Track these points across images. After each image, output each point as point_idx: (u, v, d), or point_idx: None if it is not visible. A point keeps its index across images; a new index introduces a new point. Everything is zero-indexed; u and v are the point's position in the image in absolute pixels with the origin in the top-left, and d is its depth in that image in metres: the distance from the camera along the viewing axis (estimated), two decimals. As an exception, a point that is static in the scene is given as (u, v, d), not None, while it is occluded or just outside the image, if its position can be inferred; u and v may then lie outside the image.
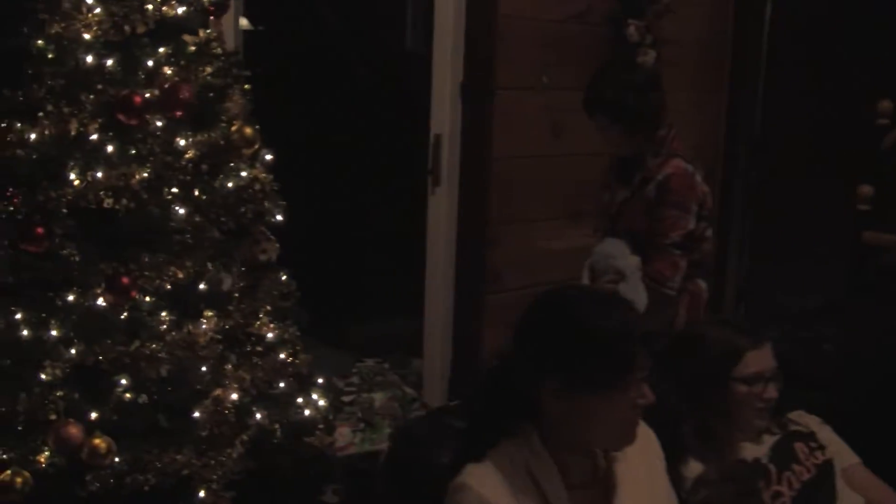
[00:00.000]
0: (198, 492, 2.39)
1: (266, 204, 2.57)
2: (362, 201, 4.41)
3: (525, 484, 1.84)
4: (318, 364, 2.85)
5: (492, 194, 4.39)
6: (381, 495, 2.60)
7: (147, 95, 2.35)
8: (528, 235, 4.62)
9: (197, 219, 2.38)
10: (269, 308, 2.56)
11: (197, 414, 2.49)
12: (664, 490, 2.04)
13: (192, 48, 2.48)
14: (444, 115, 4.24)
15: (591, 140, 4.76)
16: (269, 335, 2.53)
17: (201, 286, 2.42)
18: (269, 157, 2.64)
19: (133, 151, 2.35)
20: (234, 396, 2.53)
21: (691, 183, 3.25)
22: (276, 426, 2.60)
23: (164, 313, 2.34)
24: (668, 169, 3.24)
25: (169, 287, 2.37)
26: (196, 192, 2.41)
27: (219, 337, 2.42)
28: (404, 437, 2.52)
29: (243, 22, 5.43)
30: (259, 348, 2.51)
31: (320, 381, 2.80)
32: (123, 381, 2.33)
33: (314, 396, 2.67)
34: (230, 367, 2.50)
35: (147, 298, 2.36)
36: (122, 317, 2.33)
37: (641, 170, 3.31)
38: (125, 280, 2.27)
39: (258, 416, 2.59)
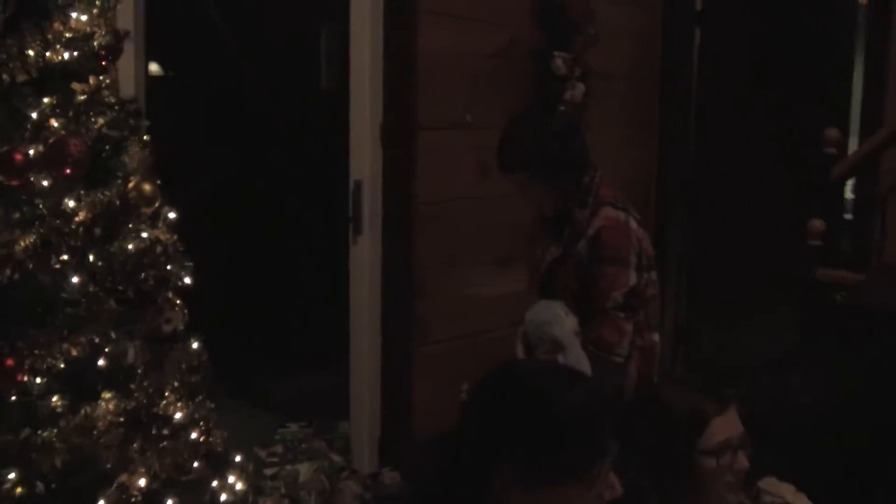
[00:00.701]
0: None
1: (170, 267, 2.30)
2: (281, 252, 4.15)
3: None
4: (236, 430, 2.58)
5: (417, 241, 4.19)
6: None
7: (31, 152, 2.08)
8: (456, 283, 4.42)
9: (91, 288, 2.11)
10: (176, 384, 2.29)
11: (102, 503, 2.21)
12: None
13: (82, 97, 2.21)
14: (365, 160, 4.04)
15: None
16: (178, 415, 2.25)
17: (99, 363, 2.14)
18: (172, 215, 2.37)
19: (16, 215, 2.08)
20: (142, 483, 2.25)
21: (625, 232, 3.02)
22: (189, 514, 2.33)
23: (55, 397, 2.06)
24: (598, 221, 3.01)
25: (62, 366, 2.09)
26: (90, 259, 2.13)
27: (120, 420, 2.15)
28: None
29: (153, 67, 5.19)
30: (165, 430, 2.23)
31: (238, 458, 2.52)
32: (12, 476, 2.03)
33: (231, 479, 2.40)
34: (136, 450, 2.21)
35: (38, 380, 2.07)
36: (10, 401, 2.04)
37: (569, 224, 3.09)
38: (10, 361, 1.99)
39: (169, 503, 2.31)
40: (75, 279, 2.13)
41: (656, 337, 3.16)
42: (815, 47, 5.50)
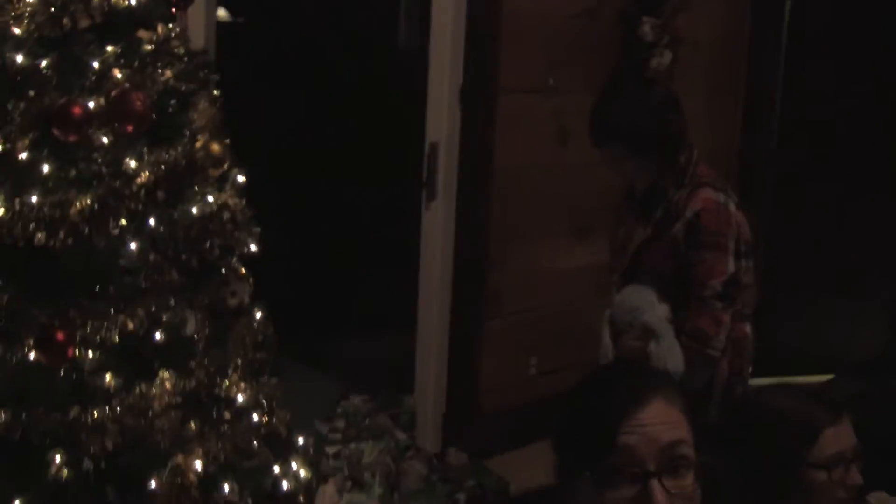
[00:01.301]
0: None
1: (237, 235, 2.12)
2: (350, 213, 3.97)
3: None
4: (295, 398, 2.39)
5: (493, 208, 3.98)
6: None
7: (90, 105, 1.90)
8: (531, 254, 4.22)
9: (152, 256, 1.94)
10: (239, 362, 2.11)
11: (153, 485, 2.05)
12: None
13: (149, 47, 2.03)
14: (441, 122, 3.82)
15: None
16: (241, 397, 2.08)
17: (157, 338, 1.97)
18: (240, 178, 2.19)
19: (72, 174, 1.90)
20: (198, 465, 2.09)
21: (725, 216, 2.78)
22: (249, 501, 2.16)
23: (108, 374, 1.89)
24: (697, 203, 2.77)
25: (117, 340, 1.92)
26: (151, 224, 1.96)
27: (178, 400, 1.98)
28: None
29: (221, 13, 4.99)
30: (227, 414, 2.06)
31: (301, 441, 2.35)
32: (58, 458, 1.88)
33: (294, 465, 2.23)
34: (194, 431, 2.05)
35: (90, 354, 1.91)
36: (59, 378, 1.88)
37: (663, 203, 2.85)
38: (61, 335, 1.83)
39: (226, 488, 2.14)
40: (134, 245, 1.96)
41: (748, 328, 2.94)
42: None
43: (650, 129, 2.79)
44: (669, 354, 2.63)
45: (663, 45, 4.25)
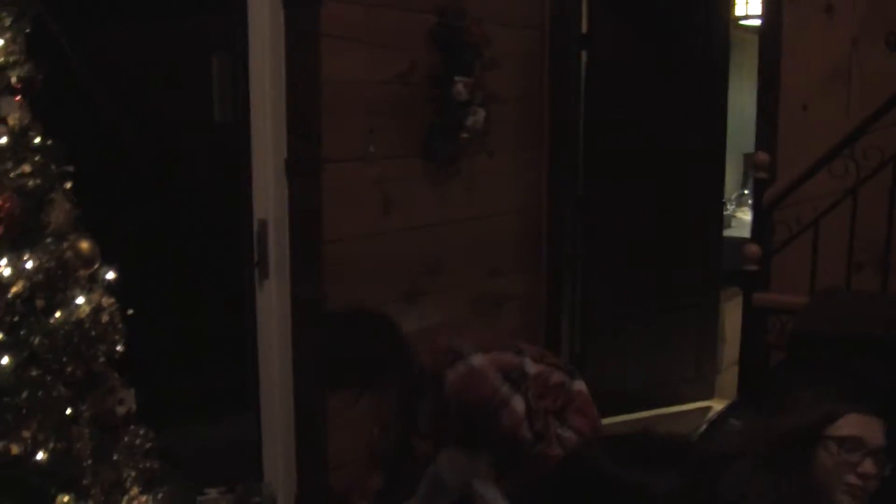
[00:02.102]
0: None
1: (116, 338, 1.96)
2: (181, 299, 3.77)
3: None
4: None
5: (326, 282, 3.89)
6: None
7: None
8: (366, 324, 4.14)
9: (34, 372, 1.75)
10: (133, 475, 1.94)
11: None
12: None
13: (3, 139, 1.86)
14: (269, 197, 3.70)
15: (425, 211, 4.38)
16: (142, 513, 1.91)
17: (42, 460, 1.78)
18: (111, 275, 2.03)
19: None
20: None
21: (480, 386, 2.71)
22: None
23: (0, 508, 1.70)
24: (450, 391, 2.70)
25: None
26: (27, 336, 1.78)
27: (76, 527, 1.79)
28: None
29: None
30: (132, 534, 1.88)
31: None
32: None
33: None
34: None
35: (-30, 489, 1.71)
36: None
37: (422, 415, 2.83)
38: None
39: None
40: (5, 361, 1.77)
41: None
42: (696, 69, 5.51)
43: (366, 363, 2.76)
44: None
45: (477, 104, 4.31)
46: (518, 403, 2.61)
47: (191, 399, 3.87)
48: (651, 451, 1.54)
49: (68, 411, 1.83)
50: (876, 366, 2.61)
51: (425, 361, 2.66)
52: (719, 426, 2.63)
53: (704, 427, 2.68)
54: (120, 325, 1.98)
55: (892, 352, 2.71)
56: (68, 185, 2.06)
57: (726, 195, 6.48)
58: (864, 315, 3.08)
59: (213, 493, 3.31)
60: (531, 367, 2.75)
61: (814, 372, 2.40)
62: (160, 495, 1.98)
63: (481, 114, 4.35)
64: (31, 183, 1.94)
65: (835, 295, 3.48)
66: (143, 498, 1.92)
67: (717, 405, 5.48)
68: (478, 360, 2.64)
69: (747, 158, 6.48)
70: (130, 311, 2.02)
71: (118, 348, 2.04)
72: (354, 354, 2.60)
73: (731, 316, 5.59)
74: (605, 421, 3.39)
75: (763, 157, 4.01)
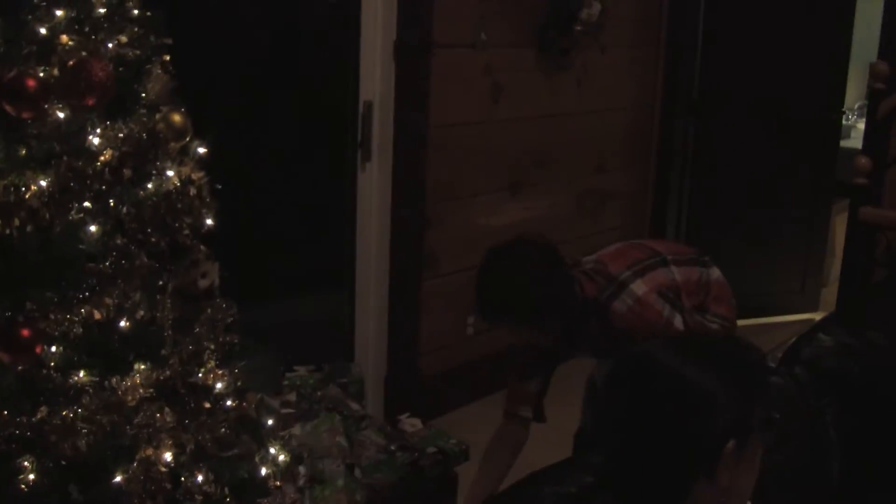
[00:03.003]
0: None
1: (204, 212, 1.97)
2: (282, 177, 3.80)
3: None
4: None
5: (429, 168, 3.88)
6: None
7: (43, 76, 1.73)
8: (466, 212, 4.14)
9: (118, 240, 1.78)
10: (212, 348, 1.97)
11: (119, 479, 1.91)
12: None
13: (102, 10, 1.85)
14: (375, 80, 3.68)
15: (534, 102, 4.31)
16: (219, 385, 1.94)
17: (125, 327, 1.82)
18: (201, 150, 2.03)
19: (22, 153, 1.74)
20: (169, 456, 1.95)
21: (646, 313, 2.63)
22: (225, 489, 2.04)
23: (80, 371, 1.75)
24: (619, 322, 2.63)
25: (81, 332, 1.77)
26: (114, 205, 1.80)
27: (152, 392, 1.84)
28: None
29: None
30: (206, 403, 1.93)
31: (270, 423, 2.23)
32: (27, 464, 1.73)
33: (272, 451, 2.11)
34: (167, 422, 1.91)
35: (54, 349, 1.76)
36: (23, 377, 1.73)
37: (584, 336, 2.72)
38: (25, 332, 1.67)
39: (199, 478, 2.02)
40: (94, 229, 1.79)
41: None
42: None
43: (534, 298, 2.55)
44: None
45: (593, -3, 4.19)
46: (679, 322, 2.62)
47: (289, 276, 3.91)
48: (705, 352, 1.55)
49: (153, 282, 1.86)
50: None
51: (587, 289, 2.63)
52: (808, 341, 2.56)
53: (794, 340, 2.62)
54: (208, 199, 1.99)
55: None
56: (166, 56, 2.06)
57: (848, 105, 6.19)
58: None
59: (301, 370, 3.38)
60: (678, 275, 2.73)
61: None
62: (237, 370, 2.02)
63: (597, 7, 4.23)
64: (130, 53, 1.94)
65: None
66: (220, 371, 1.95)
67: (822, 319, 5.34)
68: (640, 288, 2.62)
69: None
70: (219, 186, 2.02)
71: (208, 221, 2.06)
72: (515, 285, 2.55)
73: (843, 229, 5.40)
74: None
75: (882, 66, 3.81)
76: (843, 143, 5.90)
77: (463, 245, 4.08)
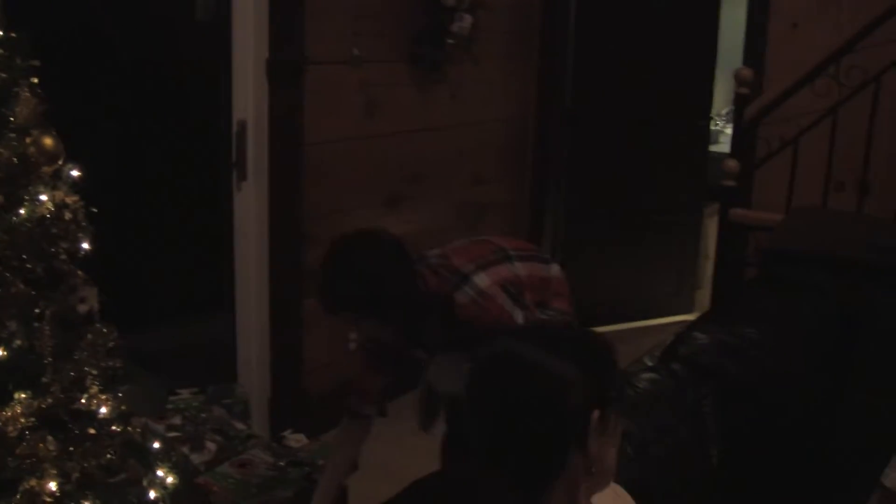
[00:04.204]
0: None
1: (80, 235, 1.95)
2: (154, 201, 3.75)
3: None
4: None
5: (306, 185, 3.89)
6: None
7: None
8: (346, 227, 4.13)
9: (-7, 269, 1.75)
10: (95, 373, 1.95)
11: (3, 512, 1.87)
12: None
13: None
14: (248, 98, 3.68)
15: (409, 117, 4.35)
16: (102, 410, 1.92)
17: (2, 356, 1.79)
18: (75, 173, 2.01)
19: None
20: (53, 486, 1.92)
21: (487, 305, 2.64)
22: (111, 518, 2.01)
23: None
24: (464, 313, 2.64)
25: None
26: (-11, 232, 1.77)
27: (34, 421, 1.81)
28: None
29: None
30: (91, 429, 1.90)
31: (156, 445, 2.20)
32: None
33: (160, 473, 2.09)
34: (50, 451, 1.88)
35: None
36: None
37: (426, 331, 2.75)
38: None
39: (86, 506, 1.99)
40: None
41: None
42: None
43: (376, 292, 2.56)
44: None
45: (464, 9, 4.26)
46: (519, 316, 2.65)
47: (167, 300, 3.87)
48: (556, 341, 1.67)
49: (30, 309, 1.83)
50: (841, 284, 2.64)
51: (430, 283, 2.64)
52: (684, 339, 2.66)
53: (671, 340, 2.72)
54: (84, 224, 1.96)
55: (858, 271, 2.73)
56: (34, 79, 2.03)
57: (715, 111, 6.43)
58: (835, 234, 3.09)
59: (184, 393, 3.35)
60: (521, 270, 2.77)
61: (781, 289, 2.42)
62: (121, 394, 1.99)
63: (468, 20, 4.30)
64: (-5, 77, 1.91)
65: (809, 214, 3.49)
66: (104, 396, 1.93)
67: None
68: (483, 281, 2.64)
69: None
70: (94, 210, 2.00)
71: (83, 246, 2.03)
72: (358, 278, 2.56)
73: (715, 232, 5.60)
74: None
75: (746, 72, 3.98)
76: (713, 148, 6.13)
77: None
